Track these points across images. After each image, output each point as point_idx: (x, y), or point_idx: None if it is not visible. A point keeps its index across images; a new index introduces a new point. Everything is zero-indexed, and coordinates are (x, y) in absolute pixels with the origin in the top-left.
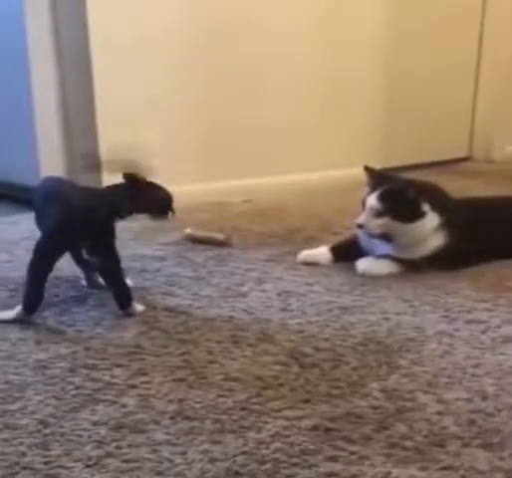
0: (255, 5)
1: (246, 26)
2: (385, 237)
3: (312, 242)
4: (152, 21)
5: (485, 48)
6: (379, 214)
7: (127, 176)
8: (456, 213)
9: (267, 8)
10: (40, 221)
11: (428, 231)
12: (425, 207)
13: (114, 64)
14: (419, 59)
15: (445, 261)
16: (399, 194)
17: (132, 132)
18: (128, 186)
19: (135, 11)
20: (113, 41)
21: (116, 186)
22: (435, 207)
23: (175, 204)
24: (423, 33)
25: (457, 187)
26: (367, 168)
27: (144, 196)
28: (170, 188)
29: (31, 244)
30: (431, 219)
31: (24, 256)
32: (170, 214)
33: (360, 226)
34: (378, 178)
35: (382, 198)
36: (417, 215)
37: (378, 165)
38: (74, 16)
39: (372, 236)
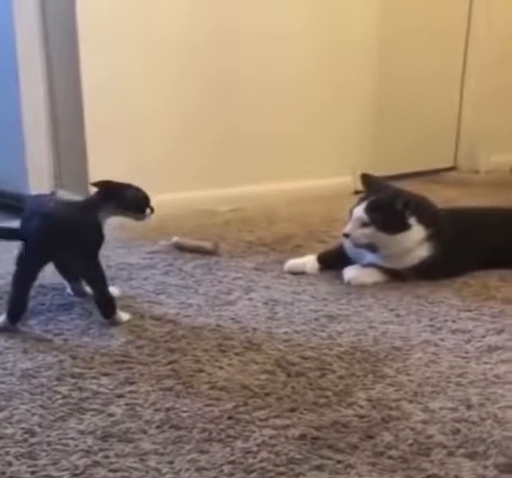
0: (251, 12)
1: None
2: (371, 247)
3: (299, 250)
4: (150, 30)
5: (470, 58)
6: (364, 224)
7: (95, 184)
8: (443, 225)
9: (262, 15)
10: (23, 234)
11: (413, 243)
12: (411, 219)
13: (103, 72)
14: (405, 70)
15: (431, 271)
16: (387, 205)
17: (121, 143)
18: (103, 192)
19: (133, 20)
20: (106, 48)
21: (93, 195)
22: (422, 220)
23: (162, 211)
24: (409, 45)
25: (443, 197)
26: (363, 175)
27: (121, 197)
28: (159, 196)
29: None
30: (417, 231)
31: (10, 264)
32: (148, 211)
33: (346, 235)
34: (372, 186)
35: (368, 209)
36: (402, 227)
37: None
38: (64, 24)
39: (357, 246)
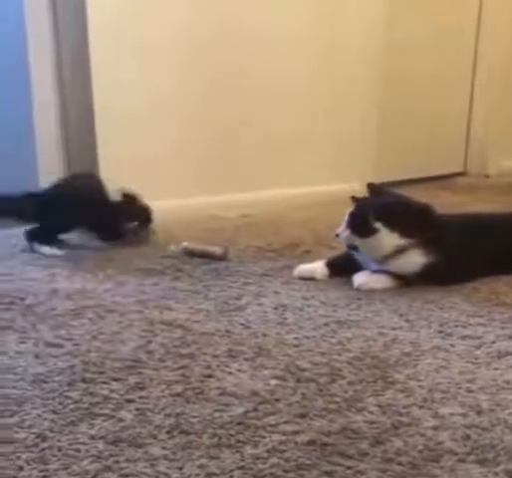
0: (253, 14)
1: (236, 38)
2: (355, 249)
3: (308, 256)
4: (151, 33)
5: (480, 62)
6: (346, 227)
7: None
8: (444, 231)
9: (264, 16)
10: None
11: (389, 248)
12: (377, 224)
13: (113, 77)
14: (414, 74)
15: (439, 277)
16: (358, 210)
17: (131, 146)
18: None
19: (136, 23)
20: (113, 52)
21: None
22: (394, 226)
23: (171, 216)
24: (418, 48)
25: (452, 202)
26: (368, 184)
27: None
28: (168, 202)
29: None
30: (387, 237)
31: (22, 270)
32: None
33: (336, 235)
34: (374, 194)
35: (350, 212)
36: (368, 231)
37: (373, 180)
38: (73, 25)
39: (348, 247)
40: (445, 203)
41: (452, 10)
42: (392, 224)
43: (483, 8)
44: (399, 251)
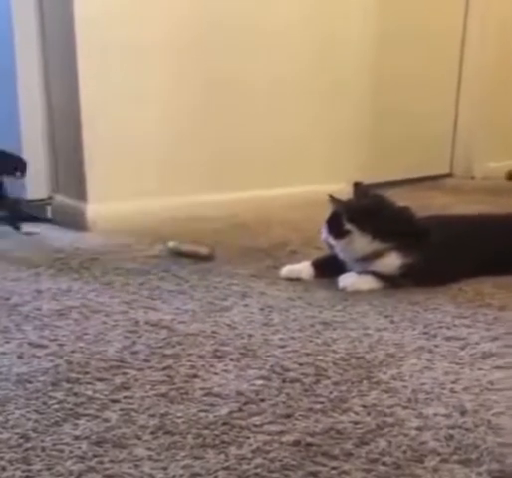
0: (246, 12)
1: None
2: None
3: (295, 256)
4: (145, 34)
5: (466, 64)
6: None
7: None
8: (425, 233)
9: (256, 16)
10: None
11: (360, 250)
12: (349, 226)
13: (98, 80)
14: (401, 76)
15: (419, 278)
16: (335, 212)
17: (117, 148)
18: None
19: (126, 26)
20: (103, 54)
21: None
22: (365, 229)
23: (157, 215)
24: (405, 52)
25: (439, 204)
26: (354, 184)
27: None
28: (155, 201)
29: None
30: (359, 239)
31: (6, 270)
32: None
33: (321, 233)
34: (357, 194)
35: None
36: (340, 233)
37: (361, 181)
38: (60, 24)
39: (327, 247)
40: (432, 204)
41: (439, 12)
42: (364, 226)
43: (470, 10)
44: (376, 253)
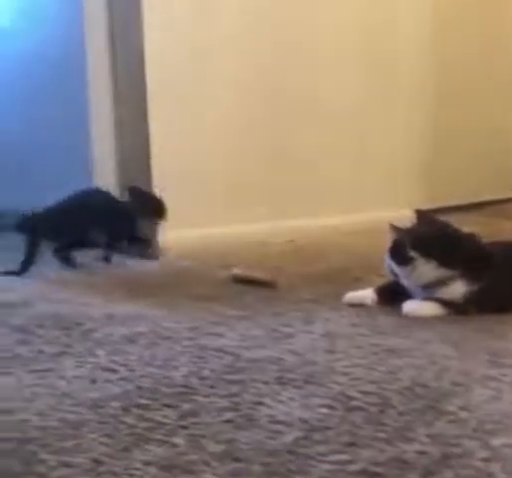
0: (309, 36)
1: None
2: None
3: (357, 283)
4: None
5: None
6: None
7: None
8: (491, 259)
9: (317, 37)
10: None
11: (428, 277)
12: (413, 254)
13: (172, 113)
14: (461, 95)
15: (484, 305)
16: (398, 239)
17: (183, 173)
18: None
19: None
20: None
21: None
22: (430, 256)
23: (223, 244)
24: (465, 68)
25: (505, 229)
26: (416, 211)
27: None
28: (219, 229)
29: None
30: (425, 267)
31: (78, 295)
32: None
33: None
34: (420, 221)
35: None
36: (404, 260)
37: (423, 206)
38: (132, 57)
39: (390, 274)
40: (499, 230)
41: (496, 29)
42: (429, 254)
43: None
44: (440, 280)
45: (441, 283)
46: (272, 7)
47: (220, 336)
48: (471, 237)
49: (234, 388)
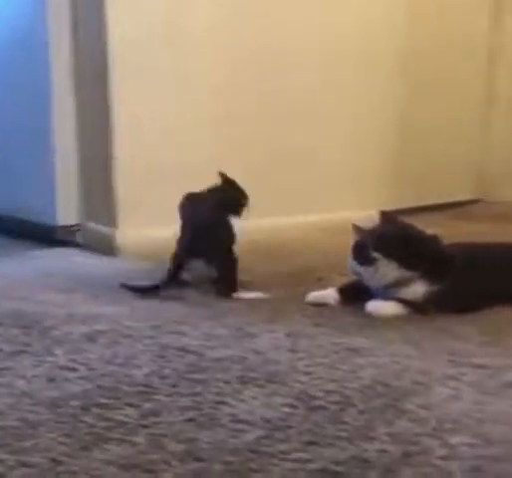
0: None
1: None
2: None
3: (321, 283)
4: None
5: (496, 84)
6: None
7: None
8: (452, 260)
9: (290, 40)
10: None
11: (390, 277)
12: (376, 254)
13: (137, 104)
14: (427, 99)
15: (444, 305)
16: (361, 240)
17: (150, 171)
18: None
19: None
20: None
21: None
22: (392, 257)
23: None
24: (431, 72)
25: (466, 231)
26: (381, 212)
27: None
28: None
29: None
30: (387, 267)
31: (39, 293)
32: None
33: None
34: (385, 222)
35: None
36: (368, 261)
37: (387, 207)
38: (95, 40)
39: (353, 274)
40: (459, 231)
41: (464, 33)
42: (390, 254)
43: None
44: (401, 280)
45: (402, 283)
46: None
47: (183, 335)
48: (432, 239)
49: (196, 388)
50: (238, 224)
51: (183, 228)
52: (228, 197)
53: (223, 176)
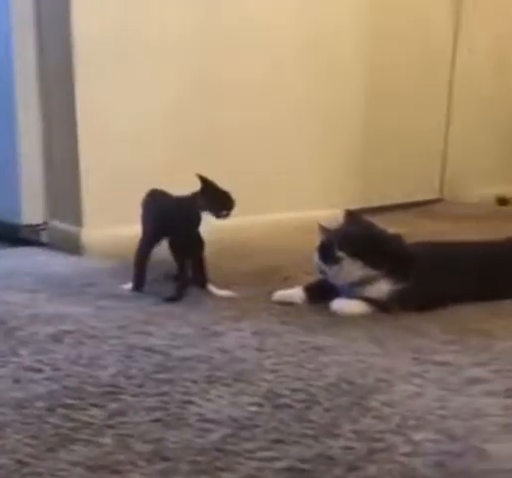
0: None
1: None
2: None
3: (287, 282)
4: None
5: (456, 85)
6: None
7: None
8: (414, 259)
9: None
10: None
11: (354, 276)
12: (340, 254)
13: (101, 98)
14: (393, 98)
15: (408, 303)
16: (326, 239)
17: (112, 167)
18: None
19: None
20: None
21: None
22: (356, 256)
23: None
24: (397, 73)
25: (429, 230)
26: (346, 211)
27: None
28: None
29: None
30: (351, 266)
31: (3, 293)
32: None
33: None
34: (349, 222)
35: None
36: (333, 260)
37: (353, 206)
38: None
39: (319, 273)
40: (422, 230)
41: (429, 32)
42: (355, 254)
43: (459, 33)
44: (366, 279)
45: (367, 282)
46: None
47: (149, 334)
48: (395, 238)
49: (163, 387)
50: (211, 221)
51: (145, 220)
52: (205, 195)
53: (202, 178)
